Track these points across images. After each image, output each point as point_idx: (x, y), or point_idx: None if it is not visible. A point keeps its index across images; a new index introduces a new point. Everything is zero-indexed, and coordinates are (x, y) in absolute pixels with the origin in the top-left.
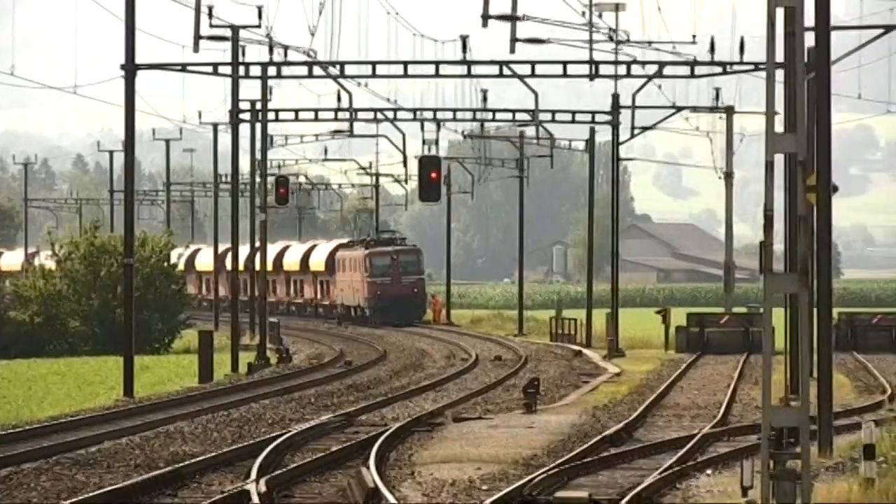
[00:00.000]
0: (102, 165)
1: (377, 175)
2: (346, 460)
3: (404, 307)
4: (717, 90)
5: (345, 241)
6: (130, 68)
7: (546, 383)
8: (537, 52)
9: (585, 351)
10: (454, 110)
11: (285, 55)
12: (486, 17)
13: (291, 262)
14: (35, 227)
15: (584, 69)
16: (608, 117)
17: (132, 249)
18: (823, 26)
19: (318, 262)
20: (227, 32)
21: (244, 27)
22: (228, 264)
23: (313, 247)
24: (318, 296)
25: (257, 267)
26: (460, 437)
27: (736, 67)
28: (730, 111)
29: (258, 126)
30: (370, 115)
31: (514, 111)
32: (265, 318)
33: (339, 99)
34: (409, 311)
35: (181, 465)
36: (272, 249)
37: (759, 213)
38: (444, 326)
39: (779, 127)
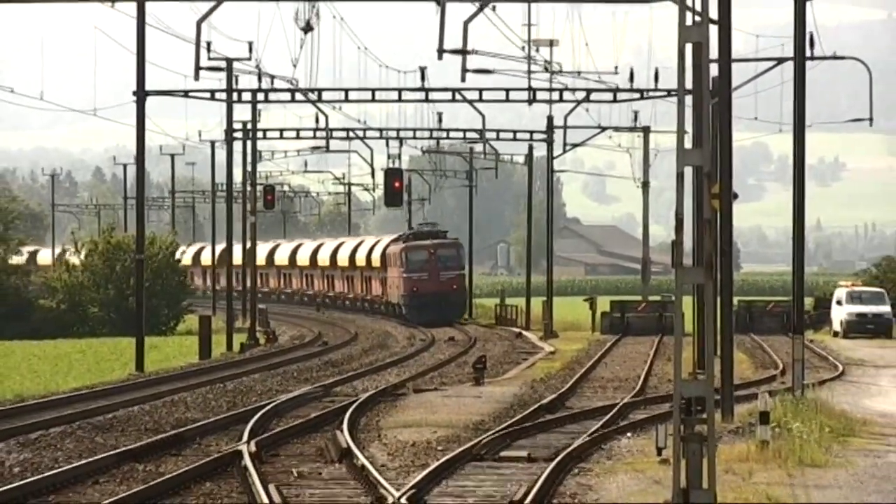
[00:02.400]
0: (118, 176)
1: (349, 184)
2: (323, 425)
3: (442, 305)
4: (636, 113)
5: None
6: (141, 94)
7: (492, 360)
8: (484, 81)
9: (525, 333)
10: (414, 130)
11: (272, 83)
12: (441, 51)
13: (342, 257)
14: (60, 228)
15: (524, 95)
16: (544, 136)
17: (143, 247)
18: (725, 59)
19: (364, 258)
20: (223, 64)
21: (237, 59)
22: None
23: (360, 243)
24: (364, 291)
25: (279, 262)
26: (419, 406)
27: (651, 94)
28: (646, 130)
29: (249, 143)
30: (343, 133)
31: (464, 130)
32: (255, 305)
33: (317, 120)
34: (447, 310)
35: (184, 429)
36: (309, 247)
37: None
38: None
39: (688, 143)
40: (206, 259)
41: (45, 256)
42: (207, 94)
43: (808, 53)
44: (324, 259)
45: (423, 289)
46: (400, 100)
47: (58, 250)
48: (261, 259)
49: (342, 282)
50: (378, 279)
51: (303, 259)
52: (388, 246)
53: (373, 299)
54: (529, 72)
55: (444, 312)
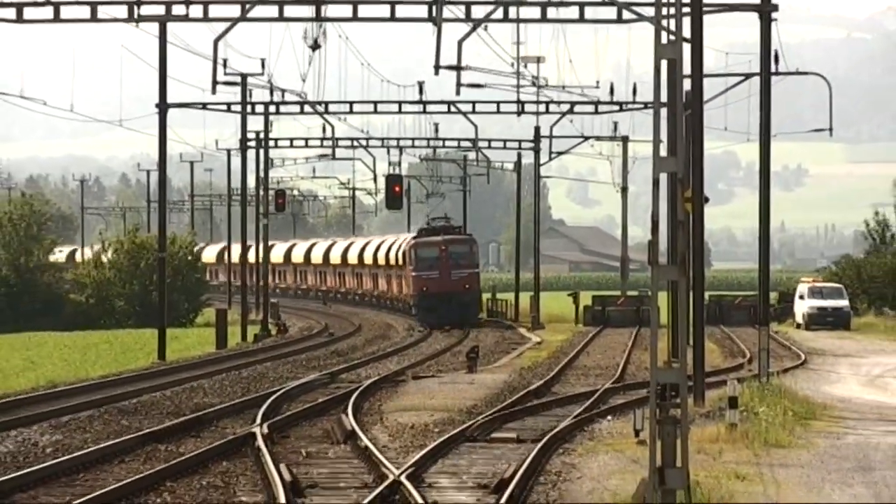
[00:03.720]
0: (141, 181)
1: (353, 189)
2: (329, 409)
3: (454, 306)
4: (616, 123)
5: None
6: (163, 107)
7: (484, 350)
8: (477, 95)
9: (514, 325)
10: (413, 139)
11: (283, 96)
12: (437, 67)
13: (352, 256)
14: (89, 229)
15: (513, 107)
16: (531, 144)
17: (164, 246)
18: (697, 74)
19: (370, 256)
20: (238, 79)
21: (251, 75)
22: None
23: (368, 242)
24: (372, 287)
25: (296, 260)
26: (418, 391)
27: (630, 106)
28: (625, 140)
29: (262, 151)
30: (348, 142)
31: (459, 140)
32: (268, 299)
33: (324, 130)
34: (459, 311)
35: (202, 412)
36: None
37: (647, 218)
38: None
39: (663, 152)
40: (220, 256)
41: (87, 254)
42: (224, 107)
43: (773, 69)
44: (335, 257)
45: (433, 288)
46: (400, 112)
47: (87, 250)
48: (279, 257)
49: (353, 279)
50: (384, 276)
51: (316, 257)
52: (400, 244)
53: (380, 295)
54: (518, 86)
55: (456, 314)
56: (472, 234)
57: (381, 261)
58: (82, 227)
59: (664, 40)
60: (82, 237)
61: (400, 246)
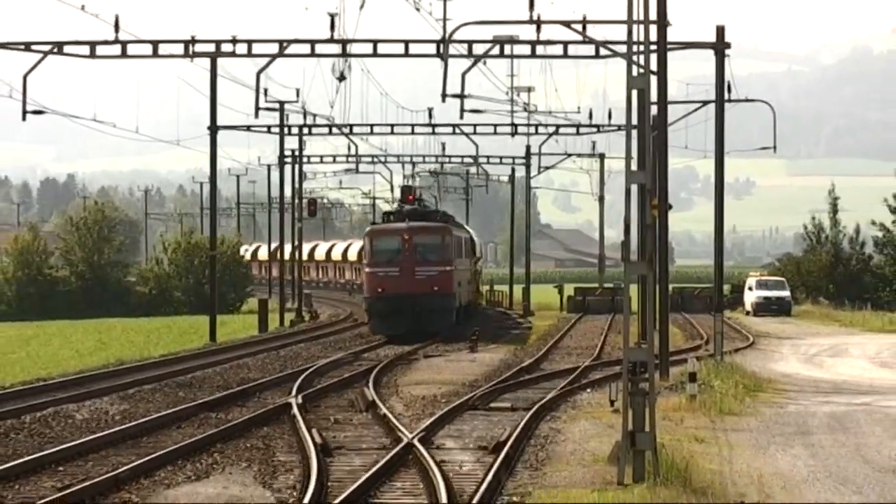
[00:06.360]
0: (195, 192)
1: (374, 198)
2: (353, 383)
3: (418, 312)
4: (594, 143)
5: None
6: (213, 128)
7: (483, 332)
8: (477, 118)
9: (508, 312)
10: (423, 156)
11: (314, 120)
12: (444, 96)
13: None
14: (151, 232)
15: (508, 129)
16: (523, 160)
17: (215, 246)
18: (662, 101)
19: None
20: (277, 105)
21: (287, 102)
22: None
23: None
24: None
25: (318, 257)
26: (428, 368)
27: (606, 128)
28: (602, 157)
29: (296, 166)
30: (369, 159)
31: (462, 157)
32: (301, 291)
33: (349, 148)
34: (425, 319)
35: (247, 385)
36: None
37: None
38: None
39: (634, 166)
40: (263, 255)
41: (145, 255)
42: (265, 129)
43: (726, 97)
44: (352, 255)
45: (391, 289)
46: (413, 133)
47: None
48: (304, 255)
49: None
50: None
51: (336, 255)
52: None
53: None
54: (512, 111)
55: (420, 322)
56: (449, 220)
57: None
58: (146, 230)
59: (634, 73)
60: (146, 239)
61: None
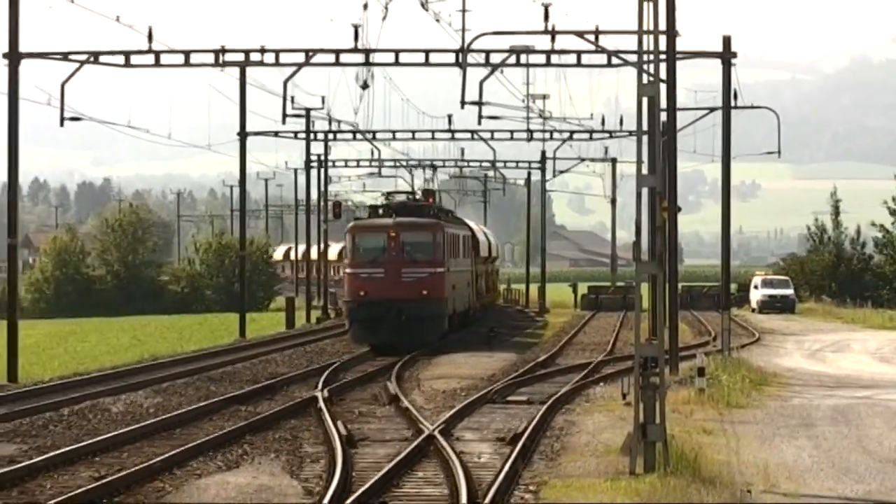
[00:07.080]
0: (226, 195)
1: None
2: (377, 377)
3: (403, 321)
4: (606, 148)
5: None
6: (243, 134)
7: (500, 329)
8: (495, 124)
9: (525, 310)
10: (443, 160)
11: (339, 126)
12: (463, 102)
13: None
14: (183, 233)
15: (524, 135)
16: (539, 165)
17: (244, 247)
18: (672, 108)
19: None
20: (303, 112)
21: (313, 109)
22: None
23: None
24: None
25: (331, 257)
26: (448, 363)
27: (618, 134)
28: (614, 161)
29: (322, 170)
30: (392, 163)
31: (480, 161)
32: (327, 289)
33: (372, 153)
34: (412, 329)
35: (275, 379)
36: None
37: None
38: None
39: (644, 171)
40: (292, 255)
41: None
42: (292, 135)
43: (732, 104)
44: None
45: (373, 293)
46: (433, 139)
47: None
48: (332, 255)
49: None
50: None
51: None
52: None
53: None
54: (528, 118)
55: (406, 331)
56: (446, 216)
57: None
58: (178, 231)
59: (645, 81)
60: (178, 240)
61: None
